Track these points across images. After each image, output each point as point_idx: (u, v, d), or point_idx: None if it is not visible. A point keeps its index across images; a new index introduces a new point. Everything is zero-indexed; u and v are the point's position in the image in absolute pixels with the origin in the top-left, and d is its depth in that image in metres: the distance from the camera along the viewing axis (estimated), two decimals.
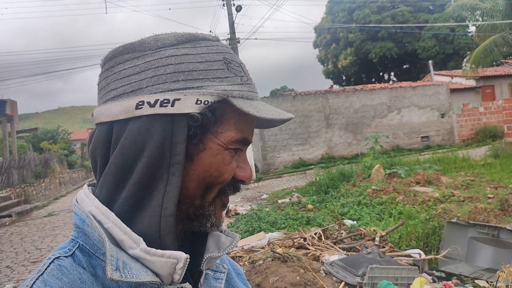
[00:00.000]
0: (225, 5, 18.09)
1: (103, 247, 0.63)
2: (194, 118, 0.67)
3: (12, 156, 18.17)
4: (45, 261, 0.64)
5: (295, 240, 5.68)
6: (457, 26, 31.96)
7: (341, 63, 38.25)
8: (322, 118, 19.64)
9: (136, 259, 0.64)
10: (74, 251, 0.65)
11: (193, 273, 0.74)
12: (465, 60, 19.97)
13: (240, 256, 5.21)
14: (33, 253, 8.20)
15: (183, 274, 0.65)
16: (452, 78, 24.80)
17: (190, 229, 0.73)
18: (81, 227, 0.66)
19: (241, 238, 6.86)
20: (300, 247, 5.52)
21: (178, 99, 0.66)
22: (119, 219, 0.64)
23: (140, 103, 0.66)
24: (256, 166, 17.98)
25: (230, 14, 17.97)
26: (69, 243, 0.67)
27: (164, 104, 0.66)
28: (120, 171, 0.66)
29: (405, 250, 5.36)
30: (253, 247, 5.69)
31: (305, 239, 5.66)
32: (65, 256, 0.64)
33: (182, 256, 0.64)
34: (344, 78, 41.29)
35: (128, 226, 0.64)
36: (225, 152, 0.70)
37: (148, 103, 0.66)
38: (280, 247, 5.37)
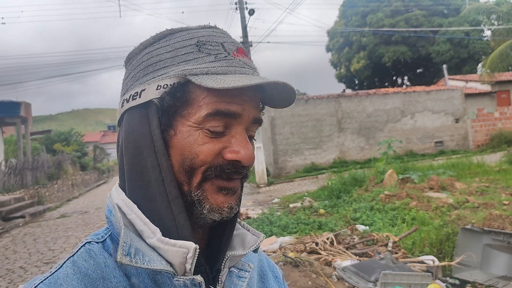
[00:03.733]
0: (238, 8, 18.13)
1: (121, 232, 0.66)
2: (156, 104, 0.70)
3: (26, 157, 18.39)
4: (79, 244, 0.70)
5: (307, 245, 5.65)
6: (472, 30, 31.65)
7: (354, 67, 38.08)
8: (335, 122, 19.56)
9: (154, 248, 0.67)
10: (106, 238, 0.71)
11: (213, 269, 0.74)
12: (480, 64, 19.71)
13: None
14: (46, 254, 8.27)
15: (193, 264, 0.66)
16: (467, 82, 24.53)
17: (198, 220, 0.71)
18: (109, 217, 0.72)
19: None
20: (312, 251, 5.48)
21: (144, 90, 0.71)
22: (140, 211, 0.68)
23: (123, 102, 0.74)
24: (267, 170, 17.96)
25: (243, 18, 18.02)
26: (104, 231, 0.73)
27: (134, 97, 0.71)
28: (122, 166, 0.73)
29: (418, 256, 5.30)
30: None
31: (317, 244, 5.62)
32: (96, 242, 0.70)
33: (192, 246, 0.66)
34: (356, 82, 41.10)
35: (149, 216, 0.68)
36: (197, 133, 0.68)
37: (126, 99, 0.73)
38: (291, 251, 5.34)
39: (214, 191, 0.70)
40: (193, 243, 0.66)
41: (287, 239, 6.22)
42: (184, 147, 0.68)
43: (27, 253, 8.55)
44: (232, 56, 0.72)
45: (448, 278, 4.78)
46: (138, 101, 0.71)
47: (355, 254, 5.33)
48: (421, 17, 34.77)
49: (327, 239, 5.80)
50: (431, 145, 20.63)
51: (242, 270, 0.78)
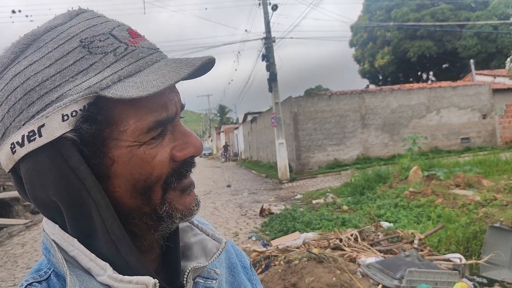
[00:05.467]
0: (261, 4, 18.11)
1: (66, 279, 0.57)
2: (73, 138, 0.56)
3: None
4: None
5: (330, 241, 5.63)
6: (500, 24, 30.85)
7: (378, 63, 37.60)
8: (358, 118, 19.38)
9: (107, 285, 0.58)
10: (50, 274, 0.60)
11: (176, 285, 0.67)
12: (509, 59, 19.27)
13: (275, 256, 5.21)
14: None
15: None
16: (495, 78, 23.95)
17: (167, 230, 0.64)
18: (48, 256, 0.61)
19: (275, 238, 6.85)
20: (335, 248, 5.47)
21: (43, 125, 0.55)
22: (82, 246, 0.58)
23: (12, 146, 0.57)
24: (290, 166, 17.92)
25: (266, 13, 17.97)
26: (46, 264, 0.62)
27: (32, 138, 0.55)
28: (47, 210, 0.61)
29: (445, 254, 5.22)
30: (288, 246, 5.68)
31: (341, 240, 5.60)
32: (39, 282, 0.59)
33: (150, 282, 0.58)
34: (380, 77, 40.59)
35: (93, 251, 0.58)
36: (141, 149, 0.58)
37: (18, 143, 0.56)
38: (315, 247, 5.33)
39: (179, 196, 0.62)
40: (151, 278, 0.58)
41: (310, 235, 6.21)
42: (132, 171, 0.58)
43: None
44: (131, 45, 0.59)
45: (475, 277, 4.70)
46: (41, 141, 0.55)
47: (380, 251, 5.29)
48: (448, 11, 34.04)
49: (351, 235, 5.77)
50: (457, 141, 20.24)
51: (208, 278, 0.71)
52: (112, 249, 0.58)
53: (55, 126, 0.55)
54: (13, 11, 20.82)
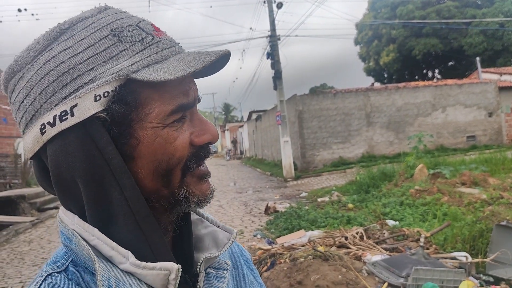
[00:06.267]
0: (266, 2, 18.08)
1: (93, 265, 0.58)
2: (105, 118, 0.59)
3: None
4: (37, 278, 0.59)
5: (336, 239, 5.62)
6: (507, 21, 30.64)
7: (383, 60, 37.45)
8: (363, 116, 19.33)
9: (130, 273, 0.60)
10: (68, 265, 0.61)
11: (190, 274, 0.69)
12: None
13: (281, 253, 5.21)
14: None
15: (177, 285, 0.60)
16: (501, 75, 23.81)
17: (181, 212, 0.67)
18: (69, 246, 0.62)
19: (280, 236, 6.86)
20: (341, 246, 5.46)
21: (75, 105, 0.58)
22: (103, 235, 0.60)
23: (42, 127, 0.59)
24: (295, 164, 17.91)
25: (271, 11, 17.95)
26: (63, 256, 0.63)
27: (64, 117, 0.58)
28: (68, 196, 0.62)
29: (451, 252, 5.20)
30: (293, 244, 5.68)
31: (346, 238, 5.59)
32: (58, 272, 0.60)
33: (174, 267, 0.60)
34: (385, 75, 40.43)
35: (114, 239, 0.60)
36: (165, 131, 0.61)
37: (49, 123, 0.59)
38: (321, 245, 5.33)
39: (196, 182, 0.65)
40: (174, 264, 0.60)
41: (316, 233, 6.21)
42: (155, 151, 0.61)
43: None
44: (156, 37, 0.63)
45: (481, 275, 4.68)
46: (72, 120, 0.58)
47: (385, 249, 5.28)
48: (453, 8, 33.85)
49: (357, 233, 5.76)
50: (463, 139, 20.15)
51: (219, 269, 0.73)
52: (135, 232, 0.60)
53: (88, 106, 0.58)
54: (19, 10, 20.91)
